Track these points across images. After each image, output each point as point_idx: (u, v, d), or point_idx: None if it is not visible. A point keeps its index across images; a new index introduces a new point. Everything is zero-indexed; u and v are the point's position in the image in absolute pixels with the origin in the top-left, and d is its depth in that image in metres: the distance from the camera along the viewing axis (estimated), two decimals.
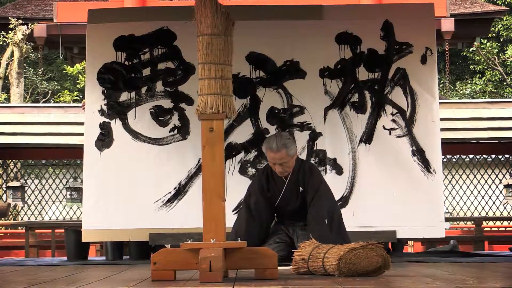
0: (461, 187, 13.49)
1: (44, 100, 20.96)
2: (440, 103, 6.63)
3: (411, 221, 6.34)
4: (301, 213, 5.41)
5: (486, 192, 13.35)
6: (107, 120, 6.47)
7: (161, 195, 6.39)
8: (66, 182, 12.40)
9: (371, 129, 6.45)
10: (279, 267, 4.26)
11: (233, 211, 6.06)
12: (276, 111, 6.49)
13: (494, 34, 23.19)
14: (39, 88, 21.64)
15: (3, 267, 5.86)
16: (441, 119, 6.67)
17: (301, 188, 5.38)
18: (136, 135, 6.47)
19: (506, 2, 23.57)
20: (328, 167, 6.40)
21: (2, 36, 16.51)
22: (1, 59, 18.36)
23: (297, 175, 5.38)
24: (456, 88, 23.62)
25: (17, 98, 17.52)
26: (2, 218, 12.33)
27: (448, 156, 12.58)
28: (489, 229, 12.66)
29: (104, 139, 6.45)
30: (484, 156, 12.83)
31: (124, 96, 6.50)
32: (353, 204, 6.34)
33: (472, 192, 13.40)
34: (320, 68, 6.49)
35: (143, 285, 4.04)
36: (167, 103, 6.49)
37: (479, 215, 13.04)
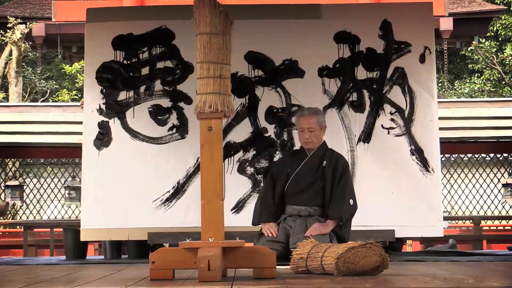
0: (459, 186, 13.46)
1: (42, 99, 20.91)
2: (438, 102, 6.65)
3: (410, 220, 6.34)
4: (310, 192, 5.36)
5: (485, 191, 13.32)
6: (105, 119, 6.47)
7: (160, 194, 6.39)
8: (65, 181, 12.34)
9: (370, 128, 6.45)
10: (277, 266, 4.25)
11: (231, 210, 6.06)
12: (275, 110, 6.49)
13: (492, 33, 23.16)
14: (38, 87, 21.61)
15: (2, 266, 5.85)
16: (440, 118, 6.68)
17: (325, 162, 5.37)
18: (134, 134, 6.46)
19: (505, 1, 23.57)
20: None
21: (0, 35, 16.48)
22: None
23: (324, 152, 5.42)
24: (455, 87, 23.61)
25: (16, 97, 17.50)
26: (1, 217, 12.31)
27: (446, 155, 12.56)
28: (487, 228, 12.64)
29: (103, 138, 6.45)
30: (483, 155, 12.81)
31: (122, 95, 6.50)
32: None
33: (470, 191, 13.38)
34: (318, 67, 6.49)
35: (141, 284, 4.04)
36: (165, 102, 6.49)
37: (478, 214, 13.02)
